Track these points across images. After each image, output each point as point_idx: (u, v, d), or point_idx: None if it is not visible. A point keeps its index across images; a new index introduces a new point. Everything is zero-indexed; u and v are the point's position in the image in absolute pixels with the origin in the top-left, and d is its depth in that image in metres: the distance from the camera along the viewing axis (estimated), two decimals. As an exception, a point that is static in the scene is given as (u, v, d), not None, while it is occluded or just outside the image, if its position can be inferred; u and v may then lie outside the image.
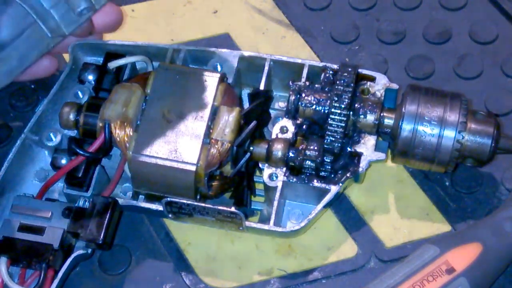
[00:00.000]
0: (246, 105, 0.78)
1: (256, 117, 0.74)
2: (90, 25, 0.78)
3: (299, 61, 0.78)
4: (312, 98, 0.74)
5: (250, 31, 0.89)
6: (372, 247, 0.76)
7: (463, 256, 0.69)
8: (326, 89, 0.74)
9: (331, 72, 0.75)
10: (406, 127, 0.73)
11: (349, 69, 0.73)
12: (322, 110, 0.74)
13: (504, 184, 0.79)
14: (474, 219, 0.77)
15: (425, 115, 0.73)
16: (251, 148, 0.74)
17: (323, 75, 0.75)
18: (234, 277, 0.75)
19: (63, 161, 0.75)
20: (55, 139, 0.77)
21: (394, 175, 0.79)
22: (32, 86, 0.85)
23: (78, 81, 0.79)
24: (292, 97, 0.74)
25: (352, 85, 0.73)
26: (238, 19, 0.90)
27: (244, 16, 0.90)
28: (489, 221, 0.71)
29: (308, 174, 0.74)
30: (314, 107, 0.74)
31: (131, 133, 0.72)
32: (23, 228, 0.72)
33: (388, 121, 0.74)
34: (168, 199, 0.72)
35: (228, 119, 0.72)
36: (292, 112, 0.75)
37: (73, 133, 0.77)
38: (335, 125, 0.72)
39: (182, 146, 0.71)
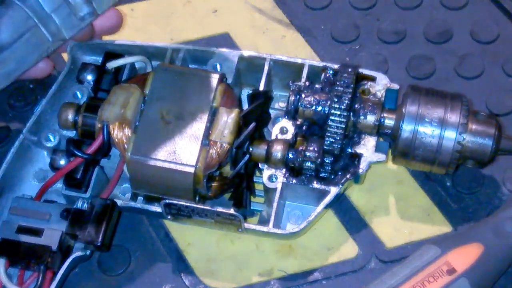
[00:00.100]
0: (246, 105, 0.78)
1: (255, 118, 0.74)
2: (91, 29, 0.78)
3: (299, 61, 0.78)
4: (312, 98, 0.74)
5: (250, 30, 0.89)
6: (373, 247, 0.76)
7: (464, 257, 0.69)
8: (326, 90, 0.74)
9: (331, 72, 0.75)
10: (407, 128, 0.73)
11: (349, 70, 0.73)
12: (322, 111, 0.73)
13: (505, 185, 0.78)
14: (475, 220, 0.77)
15: (425, 116, 0.72)
16: (251, 149, 0.74)
17: (323, 75, 0.75)
18: (234, 278, 0.75)
19: (62, 162, 0.75)
20: (54, 140, 0.77)
21: (395, 175, 0.79)
22: (31, 86, 0.85)
23: (77, 81, 0.79)
24: (292, 98, 0.74)
25: (352, 86, 0.72)
26: (238, 19, 0.89)
27: (244, 16, 0.90)
28: (490, 221, 0.71)
29: (308, 175, 0.73)
30: (314, 107, 0.73)
31: (129, 135, 0.72)
32: (22, 230, 0.72)
33: (389, 122, 0.74)
34: (167, 201, 0.72)
35: (227, 120, 0.72)
36: (292, 113, 0.74)
37: (71, 133, 0.77)
38: (335, 126, 0.72)
39: (180, 147, 0.71)
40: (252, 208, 0.76)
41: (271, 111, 0.80)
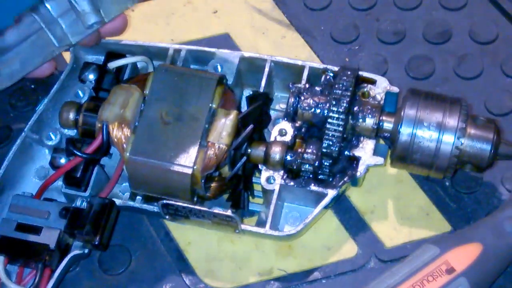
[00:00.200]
0: (246, 107, 0.78)
1: (254, 120, 0.74)
2: (97, 34, 0.78)
3: (300, 63, 0.78)
4: (311, 101, 0.74)
5: (250, 31, 0.89)
6: (372, 247, 0.76)
7: (463, 256, 0.69)
8: (326, 92, 0.74)
9: (331, 74, 0.75)
10: (405, 132, 0.72)
11: (349, 73, 0.73)
12: (321, 114, 0.73)
13: (504, 184, 0.78)
14: (474, 219, 0.77)
15: (424, 120, 0.72)
16: (249, 150, 0.74)
17: (323, 77, 0.75)
18: (234, 277, 0.75)
19: (62, 161, 0.75)
20: (55, 138, 0.77)
21: (394, 175, 0.79)
22: (32, 86, 0.85)
23: (78, 80, 0.79)
24: (291, 100, 0.74)
25: (350, 89, 0.72)
26: (238, 19, 0.90)
27: (244, 16, 0.90)
28: (489, 221, 0.71)
29: (305, 177, 0.73)
30: (313, 110, 0.73)
31: (128, 135, 0.72)
32: (21, 228, 0.72)
33: (388, 125, 0.74)
34: (164, 201, 0.72)
35: (226, 122, 0.72)
36: (291, 115, 0.74)
37: (73, 132, 0.77)
38: (333, 129, 0.72)
39: (178, 148, 0.71)
40: (251, 208, 0.77)
41: (271, 112, 0.80)
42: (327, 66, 0.77)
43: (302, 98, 0.74)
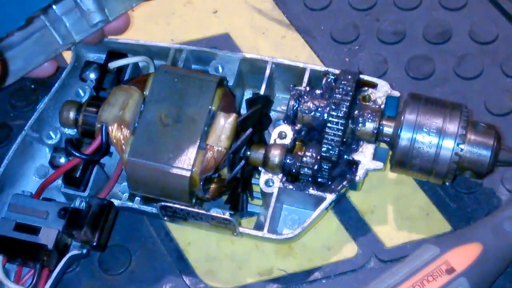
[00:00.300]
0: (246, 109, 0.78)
1: (254, 123, 0.74)
2: (101, 33, 0.78)
3: (301, 65, 0.78)
4: (312, 104, 0.73)
5: (250, 31, 0.89)
6: (372, 247, 0.76)
7: (463, 256, 0.69)
8: (327, 96, 0.74)
9: (332, 77, 0.75)
10: (404, 137, 0.72)
11: (349, 77, 0.73)
12: (321, 117, 0.73)
13: (504, 184, 0.79)
14: (474, 219, 0.77)
15: (424, 126, 0.72)
16: (248, 153, 0.74)
17: (324, 80, 0.75)
18: (234, 277, 0.75)
19: (62, 160, 0.75)
20: (55, 137, 0.77)
21: (394, 175, 0.79)
22: (32, 86, 0.85)
23: (79, 79, 0.79)
24: (292, 103, 0.74)
25: (351, 94, 0.72)
26: (238, 19, 0.90)
27: (244, 16, 0.90)
28: (489, 221, 0.71)
29: (304, 180, 0.73)
30: (313, 113, 0.73)
31: (128, 136, 0.72)
32: (19, 228, 0.72)
33: (388, 129, 0.74)
34: (163, 203, 0.72)
35: (225, 125, 0.72)
36: (291, 118, 0.74)
37: (73, 131, 0.77)
38: (332, 134, 0.71)
39: (177, 150, 0.71)
40: (250, 210, 0.77)
41: (272, 113, 0.80)
42: (328, 68, 0.76)
43: (303, 101, 0.74)
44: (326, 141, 0.72)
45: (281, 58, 0.78)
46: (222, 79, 0.74)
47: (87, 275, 0.76)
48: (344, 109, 0.71)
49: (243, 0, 0.91)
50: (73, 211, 0.72)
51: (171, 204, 0.72)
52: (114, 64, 0.78)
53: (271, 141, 0.75)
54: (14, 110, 0.84)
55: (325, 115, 0.73)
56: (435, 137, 0.72)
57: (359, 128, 0.73)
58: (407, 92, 0.75)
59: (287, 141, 0.74)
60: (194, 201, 0.73)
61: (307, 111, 0.73)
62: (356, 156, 0.74)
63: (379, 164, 0.73)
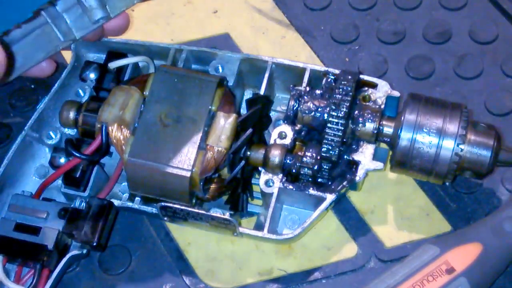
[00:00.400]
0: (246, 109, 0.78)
1: (254, 123, 0.74)
2: (101, 30, 0.78)
3: (301, 65, 0.78)
4: (312, 105, 0.73)
5: (250, 31, 0.89)
6: (372, 247, 0.76)
7: (463, 256, 0.69)
8: (327, 96, 0.74)
9: (332, 77, 0.75)
10: (404, 137, 0.72)
11: (349, 77, 0.73)
12: (321, 118, 0.73)
13: (504, 184, 0.79)
14: (474, 219, 0.77)
15: (424, 126, 0.72)
16: (249, 153, 0.74)
17: (324, 80, 0.75)
18: (234, 277, 0.75)
19: (62, 161, 0.75)
20: (55, 137, 0.77)
21: (394, 175, 0.79)
22: (32, 86, 0.85)
23: (79, 79, 0.79)
24: (292, 103, 0.74)
25: (351, 94, 0.72)
26: (238, 19, 0.90)
27: (244, 16, 0.90)
28: (489, 221, 0.71)
29: (304, 181, 0.73)
30: (313, 114, 0.73)
31: (128, 136, 0.72)
32: (19, 228, 0.72)
33: (388, 129, 0.74)
34: (162, 204, 0.72)
35: (225, 125, 0.72)
36: (291, 118, 0.74)
37: (73, 131, 0.77)
38: (332, 134, 0.71)
39: (177, 151, 0.71)
40: (250, 210, 0.77)
41: (272, 113, 0.80)
42: (328, 68, 0.76)
43: (303, 101, 0.74)
44: (326, 141, 0.72)
45: (281, 58, 0.78)
46: (222, 79, 0.74)
47: (87, 275, 0.76)
48: (344, 109, 0.71)
49: (243, 0, 0.91)
50: (73, 211, 0.72)
51: (171, 204, 0.72)
52: (114, 64, 0.78)
53: (271, 141, 0.75)
54: (14, 110, 0.84)
55: (325, 115, 0.73)
56: (435, 137, 0.72)
57: (359, 128, 0.73)
58: (407, 92, 0.75)
59: (287, 141, 0.74)
60: (194, 201, 0.73)
61: (307, 111, 0.73)
62: (356, 156, 0.74)
63: (379, 164, 0.73)
